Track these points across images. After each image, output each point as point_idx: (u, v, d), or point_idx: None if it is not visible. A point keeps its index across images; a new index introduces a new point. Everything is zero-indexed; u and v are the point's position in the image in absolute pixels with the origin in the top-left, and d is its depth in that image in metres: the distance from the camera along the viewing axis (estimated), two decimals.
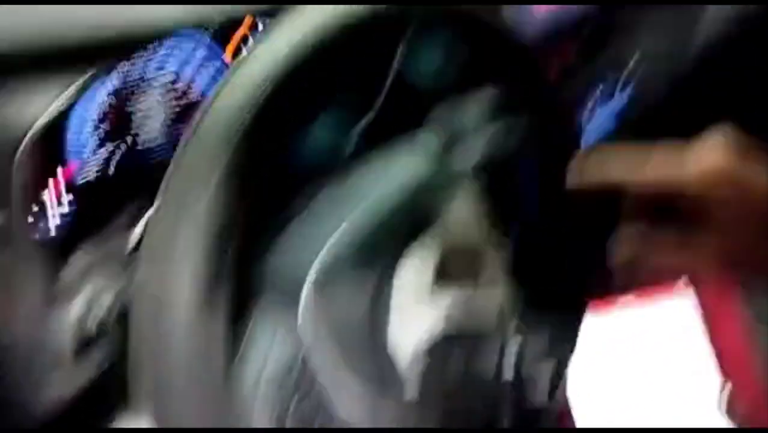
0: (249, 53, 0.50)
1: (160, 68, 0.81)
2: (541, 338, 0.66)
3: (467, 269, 0.67)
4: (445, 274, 0.63)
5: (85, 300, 0.58)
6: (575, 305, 0.78)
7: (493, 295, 0.66)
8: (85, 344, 0.58)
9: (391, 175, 0.67)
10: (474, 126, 0.81)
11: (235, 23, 0.83)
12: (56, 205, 0.75)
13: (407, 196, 0.64)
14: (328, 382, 0.57)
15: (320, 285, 0.58)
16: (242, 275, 0.61)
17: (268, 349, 0.58)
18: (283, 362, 0.57)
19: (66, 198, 0.75)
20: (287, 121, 0.52)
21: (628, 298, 0.85)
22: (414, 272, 0.60)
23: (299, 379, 0.57)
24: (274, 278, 0.60)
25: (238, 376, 0.56)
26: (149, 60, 0.79)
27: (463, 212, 0.63)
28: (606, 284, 0.81)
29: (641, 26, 1.29)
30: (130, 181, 0.80)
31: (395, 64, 0.85)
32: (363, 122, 0.89)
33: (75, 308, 0.58)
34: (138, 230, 0.73)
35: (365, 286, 0.58)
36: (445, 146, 0.80)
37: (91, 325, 0.57)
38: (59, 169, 0.75)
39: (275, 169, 0.81)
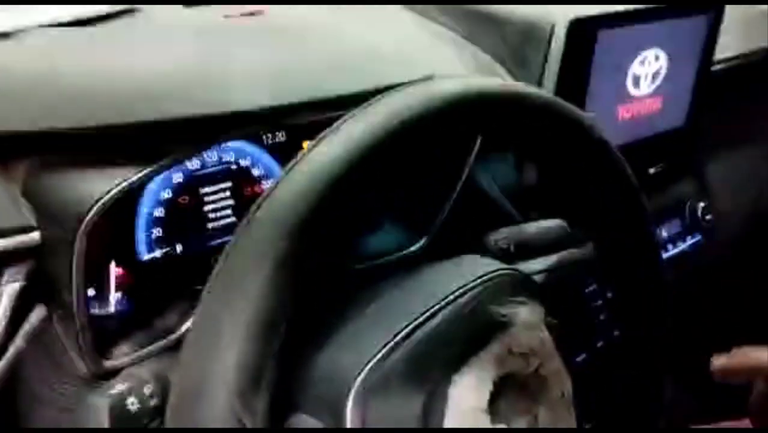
0: (319, 140, 0.48)
1: (238, 157, 0.83)
2: None
3: (527, 398, 0.62)
4: (502, 400, 0.59)
5: (128, 385, 0.56)
6: None
7: None
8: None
9: (455, 277, 0.63)
10: (542, 244, 0.78)
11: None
12: (115, 287, 0.75)
13: (470, 300, 0.61)
14: None
15: (364, 399, 0.54)
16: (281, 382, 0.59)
17: None
18: None
19: (127, 279, 0.75)
20: (350, 215, 0.50)
21: None
22: (470, 392, 0.56)
23: None
24: (312, 388, 0.57)
25: None
26: (226, 147, 0.81)
27: (530, 329, 0.59)
28: None
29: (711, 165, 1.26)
30: (194, 268, 0.79)
31: (467, 168, 0.84)
32: (434, 224, 0.87)
33: (116, 392, 0.55)
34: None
35: (414, 404, 0.54)
36: (514, 254, 0.77)
37: (132, 410, 0.54)
38: (123, 250, 0.75)
39: (333, 266, 0.80)
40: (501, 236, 0.83)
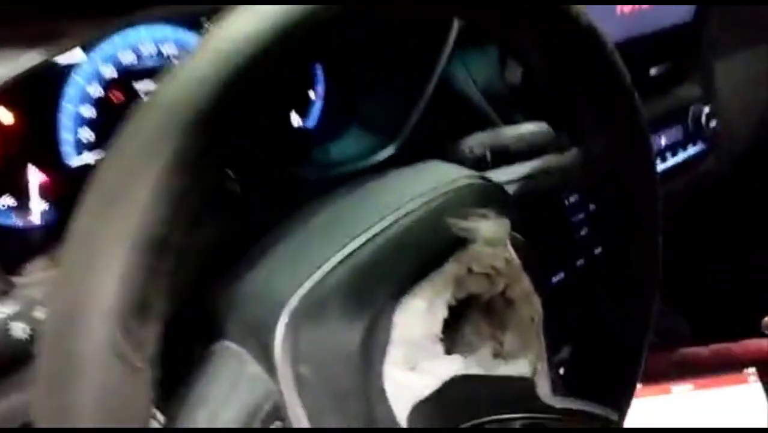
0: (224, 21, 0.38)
1: (180, 48, 0.73)
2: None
3: (491, 322, 0.54)
4: (458, 327, 0.51)
5: (16, 308, 0.48)
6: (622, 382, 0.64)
7: (520, 365, 0.53)
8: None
9: (412, 186, 0.55)
10: (521, 150, 0.69)
11: None
12: (38, 195, 0.66)
13: (427, 212, 0.52)
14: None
15: (300, 319, 0.46)
16: (199, 303, 0.51)
17: (228, 392, 0.47)
18: (246, 407, 0.46)
19: (52, 187, 0.67)
20: (273, 108, 0.40)
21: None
22: (419, 318, 0.48)
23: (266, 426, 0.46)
24: (240, 312, 0.49)
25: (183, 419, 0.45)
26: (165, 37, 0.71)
27: (493, 246, 0.51)
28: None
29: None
30: None
31: (441, 64, 0.74)
32: (404, 129, 0.78)
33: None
34: None
35: (353, 333, 0.46)
36: (491, 162, 0.69)
37: (20, 337, 0.47)
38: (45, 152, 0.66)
39: (282, 176, 0.71)
40: (476, 141, 0.74)
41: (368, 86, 0.83)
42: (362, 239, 0.50)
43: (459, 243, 0.51)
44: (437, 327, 0.49)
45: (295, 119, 0.84)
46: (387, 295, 0.48)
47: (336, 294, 0.48)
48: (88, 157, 0.70)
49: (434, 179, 0.57)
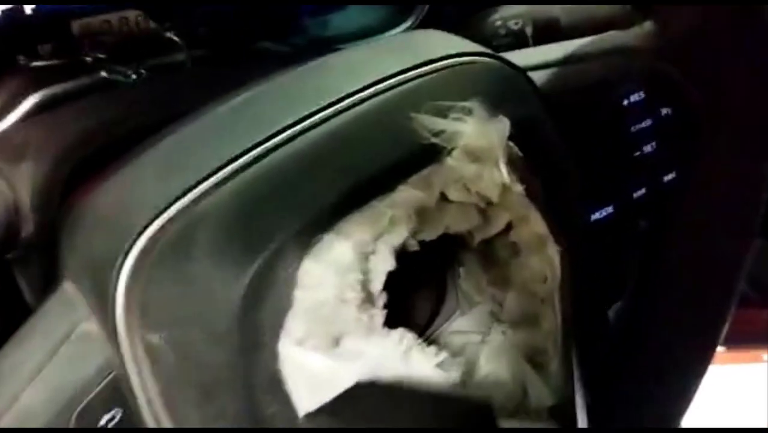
0: None
1: None
2: None
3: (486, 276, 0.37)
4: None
5: None
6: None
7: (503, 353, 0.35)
8: None
9: (390, 63, 0.36)
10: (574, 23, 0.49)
11: None
12: None
13: (391, 102, 0.34)
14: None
15: (156, 260, 0.29)
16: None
17: (44, 358, 0.31)
18: (69, 384, 0.31)
19: None
20: None
21: None
22: (339, 270, 0.30)
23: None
24: (87, 234, 0.32)
25: None
26: None
27: (478, 159, 0.32)
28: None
29: None
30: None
31: None
32: None
33: None
34: None
35: (239, 277, 0.29)
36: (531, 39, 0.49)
37: None
38: None
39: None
40: (515, 10, 0.53)
41: None
42: (275, 140, 0.32)
43: (427, 153, 0.32)
44: (373, 285, 0.31)
45: None
46: (291, 230, 0.30)
47: (212, 224, 0.30)
48: None
49: (424, 54, 0.37)
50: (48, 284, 0.36)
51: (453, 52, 0.37)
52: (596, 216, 0.43)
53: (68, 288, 0.33)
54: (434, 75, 0.36)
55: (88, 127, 0.41)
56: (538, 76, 0.42)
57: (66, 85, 0.50)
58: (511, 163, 0.32)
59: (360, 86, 0.35)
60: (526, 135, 0.33)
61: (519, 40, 0.52)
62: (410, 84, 0.35)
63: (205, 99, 0.38)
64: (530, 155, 0.33)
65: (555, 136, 0.36)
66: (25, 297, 0.39)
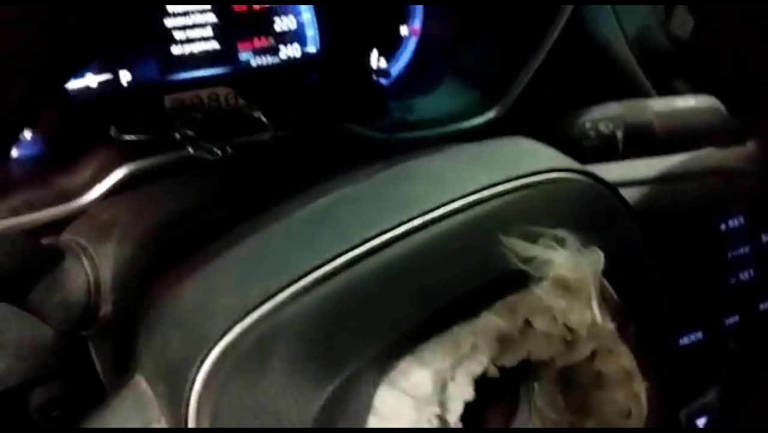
0: None
1: None
2: None
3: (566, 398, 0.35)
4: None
5: None
6: None
7: None
8: None
9: (476, 173, 0.36)
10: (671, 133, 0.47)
11: None
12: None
13: (478, 220, 0.33)
14: None
15: (232, 366, 0.29)
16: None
17: None
18: None
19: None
20: None
21: None
22: (415, 398, 0.29)
23: None
24: (164, 334, 0.32)
25: None
26: None
27: (570, 292, 0.30)
28: None
29: None
30: (139, 106, 0.55)
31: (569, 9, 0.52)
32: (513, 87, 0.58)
33: None
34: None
35: (313, 394, 0.28)
36: (621, 146, 0.48)
37: None
38: None
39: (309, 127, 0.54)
40: (608, 112, 0.52)
41: (475, 28, 0.62)
42: (357, 251, 0.31)
43: (514, 279, 0.31)
44: (450, 416, 0.29)
45: (376, 59, 0.65)
46: (369, 352, 0.29)
47: (290, 337, 0.29)
48: (89, 80, 0.55)
49: (511, 165, 0.36)
50: (120, 366, 0.36)
51: (543, 166, 0.36)
52: (684, 341, 0.41)
53: (141, 385, 0.33)
54: (524, 192, 0.35)
55: (172, 212, 0.42)
56: (630, 193, 0.40)
57: (153, 160, 0.51)
58: (603, 299, 0.30)
59: (446, 199, 0.34)
60: (620, 268, 0.31)
61: (608, 145, 0.51)
62: (499, 201, 0.34)
63: (288, 185, 0.38)
64: (624, 290, 0.31)
65: (649, 267, 0.34)
66: (98, 373, 0.39)
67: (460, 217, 0.33)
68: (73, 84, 0.54)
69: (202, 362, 0.30)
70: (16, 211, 0.47)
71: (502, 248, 0.31)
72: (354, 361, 0.29)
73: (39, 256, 0.38)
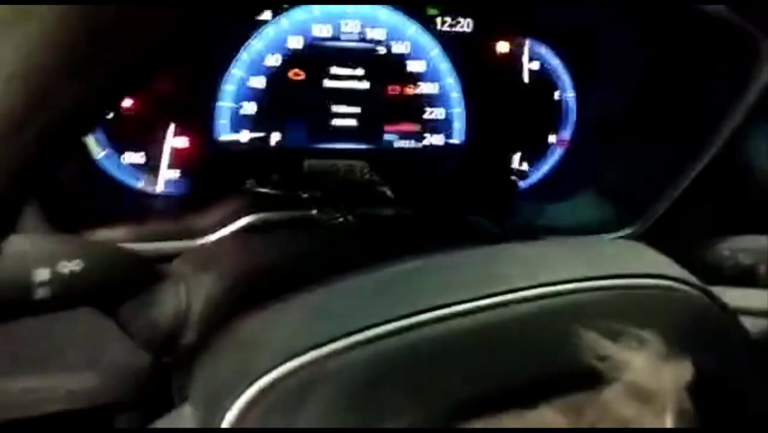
0: None
1: (391, 38, 0.59)
2: None
3: None
4: None
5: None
6: None
7: None
8: None
9: (579, 264, 0.34)
10: None
11: None
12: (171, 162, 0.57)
13: (563, 308, 0.31)
14: None
15: (267, 404, 0.29)
16: None
17: None
18: None
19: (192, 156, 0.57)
20: None
21: None
22: None
23: None
24: (215, 365, 0.33)
25: None
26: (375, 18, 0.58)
27: (643, 399, 0.27)
28: None
29: None
30: (281, 166, 0.58)
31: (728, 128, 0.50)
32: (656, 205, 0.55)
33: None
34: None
35: None
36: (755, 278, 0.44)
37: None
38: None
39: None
40: (752, 244, 0.48)
41: (623, 144, 0.60)
42: (421, 317, 0.30)
43: (584, 376, 0.28)
44: None
45: (518, 161, 0.64)
46: (408, 419, 0.27)
47: (334, 385, 0.28)
48: (242, 135, 0.59)
49: (615, 263, 0.34)
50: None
51: (650, 271, 0.33)
52: None
53: (186, 412, 0.33)
54: (621, 292, 0.32)
55: (274, 259, 0.43)
56: (757, 324, 0.36)
57: (278, 214, 0.53)
58: (680, 415, 0.26)
59: (531, 283, 0.32)
60: (711, 388, 0.28)
61: (747, 277, 0.46)
62: (590, 294, 0.31)
63: (392, 256, 0.38)
64: (708, 413, 0.27)
65: (745, 398, 0.30)
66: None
67: (541, 302, 0.31)
68: (226, 136, 0.59)
69: (240, 394, 0.29)
70: (142, 238, 0.51)
71: (577, 340, 0.29)
72: (388, 423, 0.27)
73: (138, 273, 0.39)
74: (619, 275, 0.33)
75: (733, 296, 0.36)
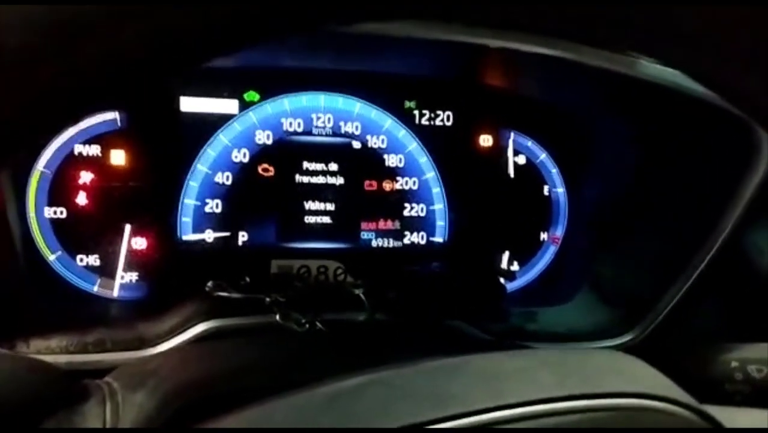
0: None
1: (366, 132, 0.55)
2: None
3: None
4: None
5: None
6: None
7: None
8: None
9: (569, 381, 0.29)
10: None
11: None
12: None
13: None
14: None
15: None
16: None
17: None
18: None
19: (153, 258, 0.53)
20: None
21: None
22: None
23: None
24: None
25: None
26: (348, 113, 0.54)
27: None
28: None
29: None
30: (246, 269, 0.54)
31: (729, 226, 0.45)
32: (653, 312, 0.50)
33: None
34: None
35: None
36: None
37: None
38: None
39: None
40: (762, 354, 0.42)
41: (619, 240, 0.56)
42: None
43: None
44: None
45: (506, 261, 0.60)
46: None
47: None
48: (207, 234, 0.54)
49: (601, 382, 0.29)
50: None
51: (633, 389, 0.28)
52: None
53: None
54: (597, 414, 0.27)
55: (214, 372, 0.38)
56: None
57: (237, 321, 0.48)
58: None
59: (499, 403, 0.27)
60: None
61: (759, 393, 0.40)
62: (554, 418, 0.26)
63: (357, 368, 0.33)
64: None
65: None
66: None
67: (505, 427, 0.26)
68: (188, 235, 0.54)
69: None
70: (85, 349, 0.46)
71: None
72: None
73: (59, 391, 0.35)
74: (596, 394, 0.27)
75: (740, 420, 0.31)
